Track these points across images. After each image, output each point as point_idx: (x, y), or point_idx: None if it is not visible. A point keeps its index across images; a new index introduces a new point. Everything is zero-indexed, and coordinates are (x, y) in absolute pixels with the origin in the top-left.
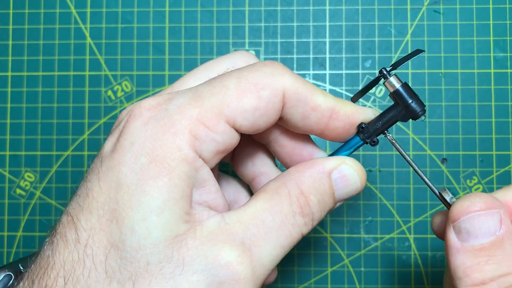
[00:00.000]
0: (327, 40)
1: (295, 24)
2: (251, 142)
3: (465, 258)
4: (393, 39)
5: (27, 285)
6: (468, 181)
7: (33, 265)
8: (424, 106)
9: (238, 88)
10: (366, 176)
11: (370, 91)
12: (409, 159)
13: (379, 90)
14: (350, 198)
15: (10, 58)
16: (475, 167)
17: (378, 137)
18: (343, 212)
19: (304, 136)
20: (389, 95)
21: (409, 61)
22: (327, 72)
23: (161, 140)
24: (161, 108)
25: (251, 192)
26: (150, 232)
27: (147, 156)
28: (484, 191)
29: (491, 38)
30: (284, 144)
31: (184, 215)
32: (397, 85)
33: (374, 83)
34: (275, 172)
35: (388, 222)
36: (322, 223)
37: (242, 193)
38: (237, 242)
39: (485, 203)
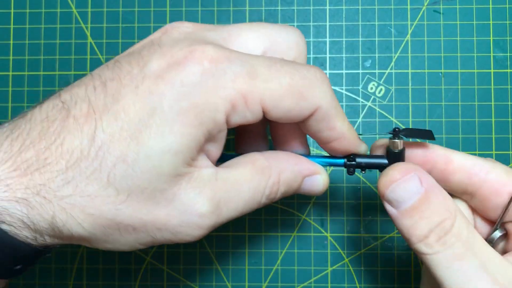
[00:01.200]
0: (327, 40)
1: (295, 24)
2: None
3: (404, 222)
4: (393, 39)
5: (16, 140)
6: None
7: (26, 124)
8: None
9: (288, 88)
10: (324, 191)
11: (370, 90)
12: None
13: (379, 90)
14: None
15: (11, 57)
16: None
17: (356, 170)
18: (343, 211)
19: (302, 132)
20: (386, 149)
21: (409, 61)
22: (327, 71)
23: (207, 97)
24: (220, 66)
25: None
26: (161, 165)
27: (189, 103)
28: None
29: (491, 38)
30: (285, 128)
31: (190, 161)
32: (398, 149)
33: (383, 134)
34: (262, 138)
35: (388, 222)
36: (322, 223)
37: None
38: (216, 201)
39: (400, 172)
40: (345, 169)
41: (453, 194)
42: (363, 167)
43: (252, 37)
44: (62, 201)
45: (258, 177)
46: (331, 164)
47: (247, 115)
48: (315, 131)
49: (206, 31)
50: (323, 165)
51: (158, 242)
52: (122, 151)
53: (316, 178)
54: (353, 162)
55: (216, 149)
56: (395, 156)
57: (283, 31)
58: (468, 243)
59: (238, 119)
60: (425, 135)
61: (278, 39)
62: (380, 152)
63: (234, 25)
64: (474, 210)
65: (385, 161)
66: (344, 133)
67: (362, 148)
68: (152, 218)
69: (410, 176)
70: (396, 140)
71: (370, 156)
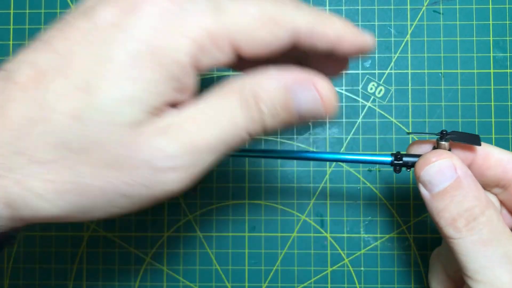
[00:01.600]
0: None
1: None
2: None
3: (436, 204)
4: (393, 39)
5: None
6: None
7: None
8: None
9: (258, 19)
10: (334, 100)
11: (370, 91)
12: None
13: (379, 91)
14: (314, 117)
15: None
16: None
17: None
18: (343, 211)
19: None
20: (433, 149)
21: (409, 61)
22: None
23: (167, 36)
24: (180, 4)
25: None
26: (117, 114)
27: (148, 46)
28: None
29: (491, 38)
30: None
31: (152, 109)
32: (446, 149)
33: (431, 134)
34: None
35: (387, 222)
36: (322, 223)
37: None
38: (181, 138)
39: (436, 156)
40: (345, 169)
41: (485, 187)
42: (410, 166)
43: None
44: (16, 174)
45: (228, 99)
46: (377, 163)
47: (217, 55)
48: (313, 49)
49: None
50: (369, 163)
51: (136, 201)
52: (75, 107)
53: (308, 87)
54: (400, 162)
55: (186, 98)
56: None
57: None
58: (495, 232)
59: (207, 61)
60: (472, 140)
61: None
62: (418, 151)
63: None
64: (503, 204)
65: None
66: (340, 34)
67: (368, 39)
68: (119, 174)
69: (444, 161)
70: (443, 143)
71: (417, 156)
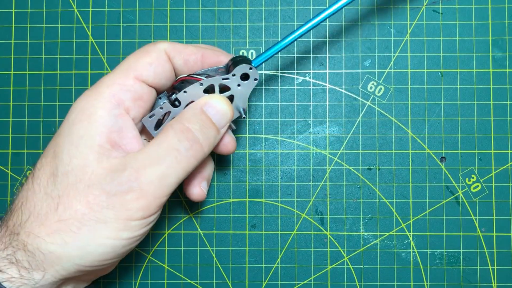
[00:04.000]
0: (327, 39)
1: (295, 23)
2: None
3: None
4: (392, 38)
5: (3, 229)
6: (467, 179)
7: (8, 212)
8: None
9: (136, 55)
10: (231, 106)
11: (370, 90)
12: None
13: (378, 90)
14: (228, 124)
15: (12, 56)
16: (473, 165)
17: None
18: (342, 210)
19: None
20: None
21: (409, 60)
22: (327, 71)
23: (88, 101)
24: (95, 85)
25: None
26: (71, 161)
27: (77, 112)
28: (482, 189)
29: (490, 38)
30: None
31: (97, 147)
32: None
33: None
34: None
35: (387, 220)
36: (322, 221)
37: None
38: (129, 169)
39: None
40: (345, 168)
41: None
42: None
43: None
44: (24, 228)
45: (163, 134)
46: None
47: (130, 88)
48: (185, 63)
49: None
50: None
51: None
52: (50, 169)
53: (212, 101)
54: None
55: (129, 139)
56: None
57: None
58: None
59: (127, 96)
60: None
61: None
62: None
63: None
64: None
65: None
66: (202, 51)
67: (224, 57)
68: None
69: None
70: None
71: None
